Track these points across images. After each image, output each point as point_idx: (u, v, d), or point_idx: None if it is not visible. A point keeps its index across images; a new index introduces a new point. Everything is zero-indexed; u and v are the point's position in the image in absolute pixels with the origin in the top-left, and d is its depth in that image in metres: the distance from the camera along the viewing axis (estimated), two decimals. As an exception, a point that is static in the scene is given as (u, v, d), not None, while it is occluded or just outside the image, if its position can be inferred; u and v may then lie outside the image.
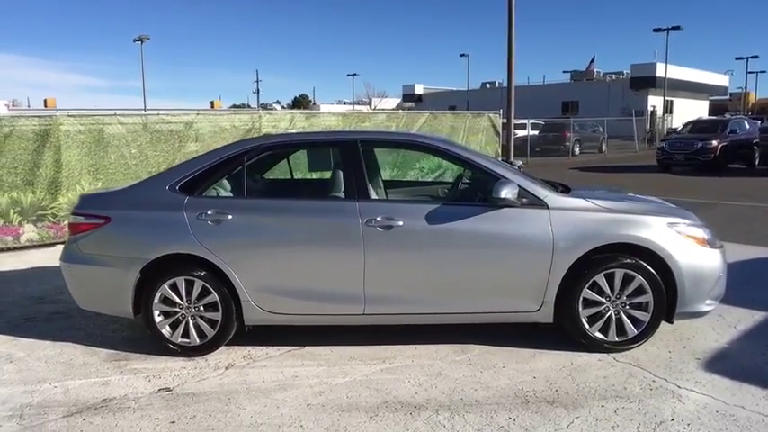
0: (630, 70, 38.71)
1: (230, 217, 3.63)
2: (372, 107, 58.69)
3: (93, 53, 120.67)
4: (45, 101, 38.61)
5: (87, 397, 3.20)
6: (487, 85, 51.58)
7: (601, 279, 3.55)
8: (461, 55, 48.93)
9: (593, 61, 46.59)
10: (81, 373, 3.53)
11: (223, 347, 3.82)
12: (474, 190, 4.02)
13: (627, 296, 3.57)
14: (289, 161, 4.62)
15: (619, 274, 3.54)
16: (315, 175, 4.55)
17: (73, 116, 7.47)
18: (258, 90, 79.28)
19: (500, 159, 13.18)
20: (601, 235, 3.52)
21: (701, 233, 3.67)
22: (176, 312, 3.70)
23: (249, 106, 67.30)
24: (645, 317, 3.59)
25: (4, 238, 6.92)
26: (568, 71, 45.02)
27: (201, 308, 3.69)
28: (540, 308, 3.59)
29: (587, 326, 3.60)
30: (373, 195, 3.72)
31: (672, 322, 3.74)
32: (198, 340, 3.71)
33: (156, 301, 3.68)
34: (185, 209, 3.65)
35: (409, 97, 60.98)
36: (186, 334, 3.71)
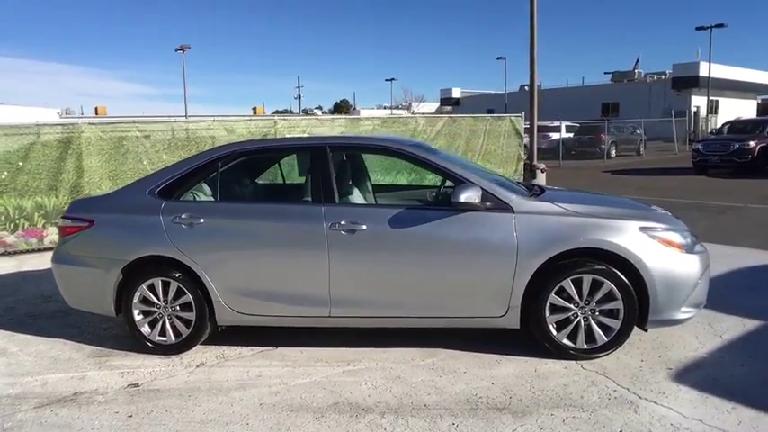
0: (672, 70, 37.22)
1: (202, 221, 3.76)
2: (411, 111, 58.88)
3: (144, 62, 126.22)
4: (96, 109, 40.58)
5: (61, 390, 3.38)
6: (525, 87, 50.65)
7: (568, 284, 3.47)
8: (498, 58, 48.24)
9: (637, 62, 45.16)
10: (63, 367, 3.72)
11: (200, 347, 3.95)
12: (446, 194, 4.01)
13: (596, 302, 3.48)
14: (280, 166, 4.74)
15: (587, 279, 3.46)
16: (292, 180, 4.63)
17: (94, 124, 7.87)
18: (300, 96, 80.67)
19: (523, 163, 13.00)
20: (567, 240, 3.44)
21: (676, 237, 3.53)
22: (154, 312, 3.85)
23: (291, 112, 68.64)
24: (615, 324, 3.49)
25: (29, 240, 7.35)
26: (609, 72, 43.72)
27: (178, 308, 3.83)
28: (505, 313, 3.55)
29: (555, 332, 3.52)
30: (342, 199, 3.77)
31: (646, 330, 3.62)
32: (174, 339, 3.85)
33: (135, 300, 3.84)
34: (162, 213, 3.81)
35: (447, 101, 60.73)
36: (164, 333, 3.86)
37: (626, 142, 23.43)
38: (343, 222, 3.60)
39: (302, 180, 4.69)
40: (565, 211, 3.53)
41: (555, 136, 23.09)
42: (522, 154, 13.15)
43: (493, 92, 52.79)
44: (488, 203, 3.53)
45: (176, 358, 3.82)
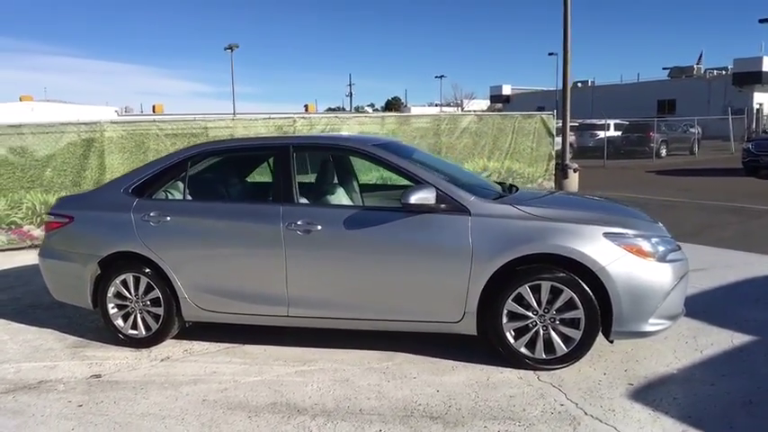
0: (733, 65, 34.92)
1: (168, 218, 3.85)
2: (462, 109, 58.22)
3: (202, 61, 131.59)
4: (153, 107, 42.41)
5: (30, 378, 3.56)
6: (579, 84, 49.03)
7: (526, 291, 3.32)
8: (550, 54, 46.83)
9: (701, 57, 42.78)
10: (41, 356, 3.92)
11: (171, 341, 4.06)
12: None
13: (556, 311, 3.32)
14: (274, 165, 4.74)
15: (545, 286, 3.30)
16: (261, 179, 4.66)
17: (116, 123, 8.24)
18: (351, 93, 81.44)
19: (554, 162, 12.58)
20: (524, 244, 3.30)
21: (646, 245, 3.31)
22: (127, 306, 3.99)
23: (344, 109, 69.36)
24: (576, 334, 3.31)
25: (55, 234, 7.79)
26: (668, 68, 41.56)
27: (148, 303, 3.95)
28: (461, 319, 3.44)
29: (512, 340, 3.38)
30: (321, 199, 3.76)
31: (611, 341, 3.42)
32: (144, 333, 3.98)
33: (110, 294, 4.00)
34: (132, 210, 3.93)
35: (497, 98, 59.69)
36: (135, 326, 3.99)
37: (678, 141, 22.24)
38: (299, 222, 3.60)
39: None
40: (524, 215, 3.38)
41: (602, 134, 22.24)
42: (552, 152, 12.71)
43: (544, 88, 51.38)
44: (443, 205, 3.42)
45: (145, 351, 3.94)
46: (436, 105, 67.32)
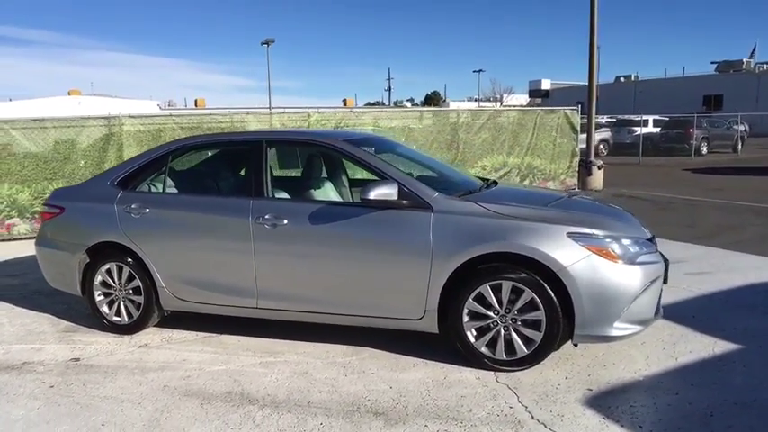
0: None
1: (147, 210, 3.98)
2: (501, 104, 57.34)
3: (245, 56, 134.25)
4: (195, 101, 43.48)
5: (15, 359, 3.76)
6: (622, 78, 47.45)
7: (487, 291, 3.26)
8: (592, 47, 45.42)
9: (754, 50, 40.61)
10: (32, 339, 4.13)
11: (154, 329, 4.21)
12: None
13: (518, 311, 3.25)
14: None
15: (506, 286, 3.23)
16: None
17: (134, 117, 8.53)
18: (390, 88, 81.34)
19: (577, 159, 12.23)
20: (484, 242, 3.24)
21: (613, 246, 3.19)
22: (111, 294, 4.15)
23: (383, 104, 69.39)
24: (537, 336, 3.23)
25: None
26: (716, 62, 39.59)
27: (131, 291, 4.10)
28: (422, 317, 3.41)
29: (473, 340, 3.34)
30: (272, 194, 3.81)
31: (575, 345, 3.32)
32: (127, 320, 4.13)
33: (96, 282, 4.17)
34: (117, 202, 4.08)
35: (536, 93, 58.47)
36: (119, 314, 4.15)
37: (720, 138, 21.24)
38: (267, 216, 3.65)
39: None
40: (486, 212, 3.32)
41: (641, 130, 21.50)
42: (576, 149, 12.35)
43: (584, 83, 49.88)
44: (405, 201, 3.40)
45: (127, 338, 4.09)
46: (475, 100, 66.53)
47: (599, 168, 12.27)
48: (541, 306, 3.18)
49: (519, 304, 3.23)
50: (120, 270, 4.09)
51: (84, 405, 3.07)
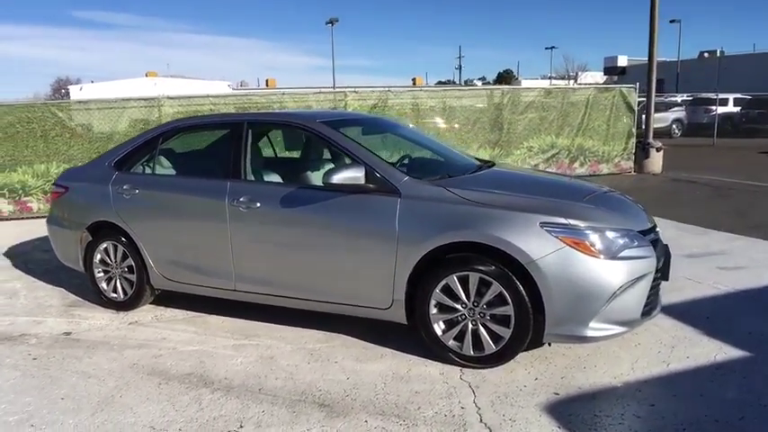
0: None
1: (137, 191, 4.06)
2: (576, 82, 54.60)
3: (317, 35, 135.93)
4: (267, 81, 44.46)
5: (17, 330, 3.98)
6: (706, 54, 43.63)
7: (454, 282, 3.06)
8: (672, 21, 42.06)
9: None
10: (38, 312, 4.37)
11: (149, 306, 4.33)
12: None
13: (486, 305, 3.03)
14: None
15: (474, 278, 3.02)
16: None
17: (172, 98, 8.80)
18: (460, 66, 79.44)
19: (633, 140, 11.37)
20: (450, 231, 3.03)
21: (592, 238, 2.88)
22: (109, 271, 4.31)
23: (454, 82, 68.06)
24: (506, 333, 3.00)
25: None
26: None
27: (125, 269, 4.23)
28: (390, 306, 3.27)
29: (440, 333, 3.15)
30: (249, 177, 3.76)
31: (548, 344, 3.06)
32: (122, 297, 4.27)
33: (96, 260, 4.33)
34: (111, 183, 4.20)
35: (611, 70, 55.05)
36: (116, 291, 4.30)
37: (813, 117, 19.07)
38: (242, 199, 3.61)
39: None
40: (456, 199, 3.10)
41: (720, 110, 19.76)
42: (633, 129, 11.48)
43: (664, 59, 46.40)
44: (373, 185, 3.24)
45: (122, 314, 4.23)
46: (549, 78, 63.80)
47: (658, 150, 11.37)
48: (510, 301, 2.95)
49: (487, 298, 3.01)
50: (115, 249, 4.23)
51: (54, 378, 3.20)
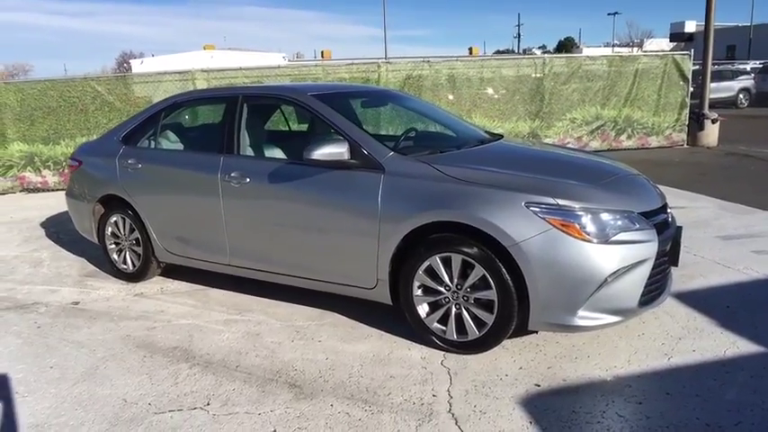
0: None
1: (140, 166, 4.11)
2: (641, 50, 51.49)
3: (373, 5, 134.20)
4: (322, 52, 44.34)
5: (30, 299, 4.17)
6: (786, 13, 39.74)
7: (436, 263, 2.91)
8: (748, -22, 38.38)
9: None
10: (55, 281, 4.56)
11: (157, 278, 4.43)
12: None
13: (469, 289, 2.87)
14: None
15: (456, 259, 2.86)
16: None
17: (205, 71, 8.88)
18: (519, 35, 76.35)
19: (686, 111, 10.56)
20: (431, 210, 2.87)
21: (583, 220, 2.64)
22: (119, 243, 4.42)
23: (512, 51, 65.74)
24: (489, 318, 2.84)
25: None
26: None
27: (133, 242, 4.32)
28: (375, 286, 3.17)
29: (423, 315, 3.03)
30: (243, 152, 3.71)
31: (535, 332, 2.87)
32: (131, 268, 4.38)
33: (108, 233, 4.46)
34: (118, 157, 4.27)
35: (678, 36, 51.57)
36: (125, 262, 4.42)
37: None
38: (233, 174, 3.57)
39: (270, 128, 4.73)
40: (439, 176, 2.92)
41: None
42: (687, 99, 10.65)
43: (736, 24, 42.75)
44: (356, 161, 3.11)
45: (131, 286, 4.35)
46: (612, 46, 60.43)
47: (713, 122, 10.52)
48: (493, 285, 2.77)
49: (470, 281, 2.85)
50: (123, 222, 4.32)
51: (50, 347, 3.32)
